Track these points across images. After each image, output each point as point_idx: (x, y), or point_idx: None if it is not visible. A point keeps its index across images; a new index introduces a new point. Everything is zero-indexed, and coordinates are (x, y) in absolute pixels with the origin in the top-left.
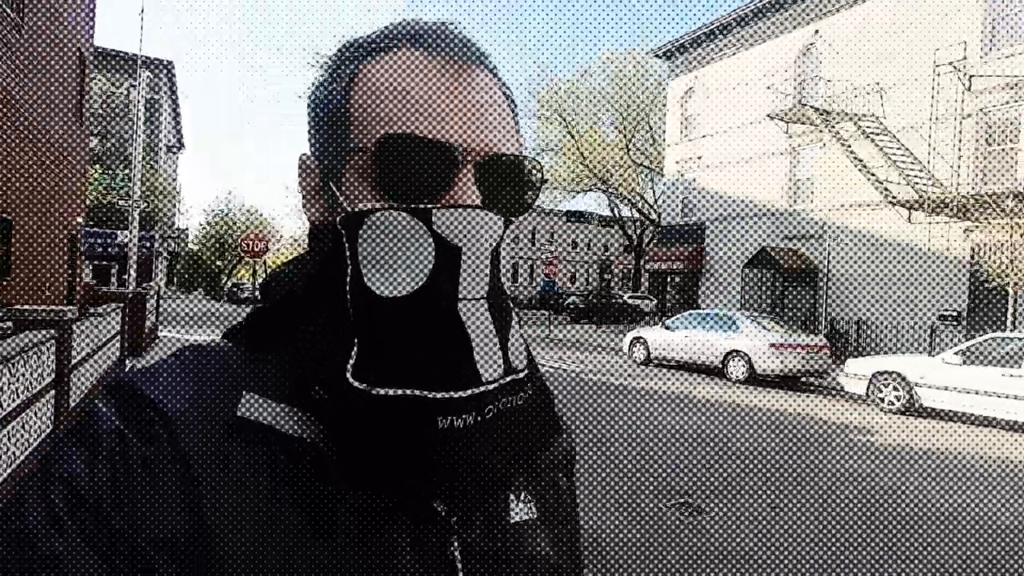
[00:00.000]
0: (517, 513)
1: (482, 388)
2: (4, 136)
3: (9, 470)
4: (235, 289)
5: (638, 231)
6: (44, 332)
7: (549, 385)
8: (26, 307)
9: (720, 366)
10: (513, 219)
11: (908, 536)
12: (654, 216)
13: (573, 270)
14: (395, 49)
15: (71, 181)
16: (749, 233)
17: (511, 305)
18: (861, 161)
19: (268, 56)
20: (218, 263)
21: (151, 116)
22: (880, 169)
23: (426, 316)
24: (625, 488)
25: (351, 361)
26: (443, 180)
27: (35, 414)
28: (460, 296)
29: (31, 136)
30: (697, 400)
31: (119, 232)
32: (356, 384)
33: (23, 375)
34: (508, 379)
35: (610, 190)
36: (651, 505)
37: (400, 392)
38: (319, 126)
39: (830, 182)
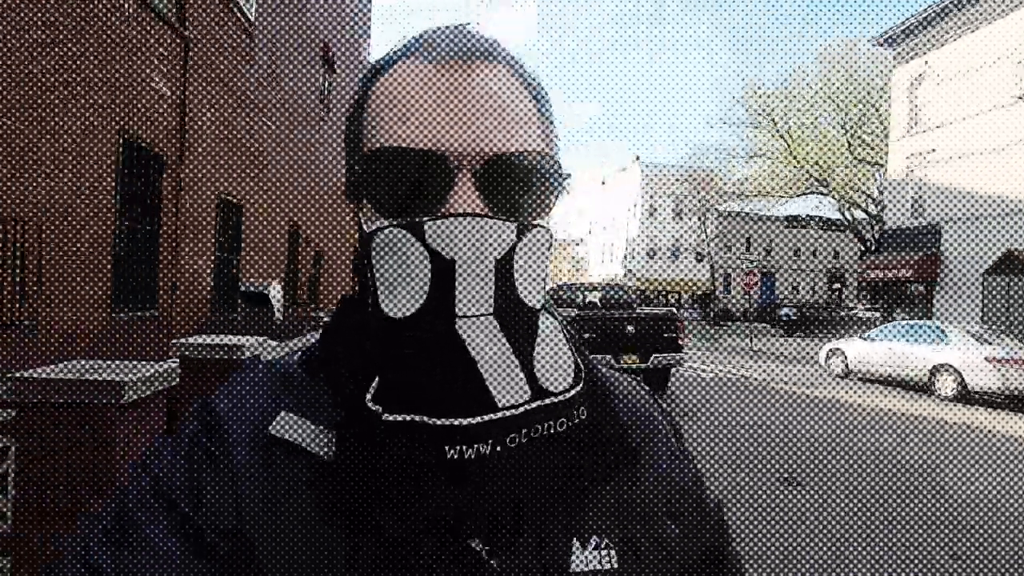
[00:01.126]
0: (583, 561)
1: (499, 415)
2: (318, 193)
3: None
4: None
5: (875, 236)
6: None
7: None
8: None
9: (927, 381)
10: (536, 223)
11: None
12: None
13: (795, 279)
14: (398, 62)
15: (353, 217)
16: (994, 234)
17: (548, 318)
18: None
19: None
20: None
21: None
22: None
23: (424, 337)
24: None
25: (374, 383)
26: (436, 190)
27: None
28: (458, 314)
29: (331, 187)
30: (887, 413)
31: None
32: (372, 407)
33: None
34: (537, 404)
35: (832, 192)
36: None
37: (405, 418)
38: (344, 147)
39: None
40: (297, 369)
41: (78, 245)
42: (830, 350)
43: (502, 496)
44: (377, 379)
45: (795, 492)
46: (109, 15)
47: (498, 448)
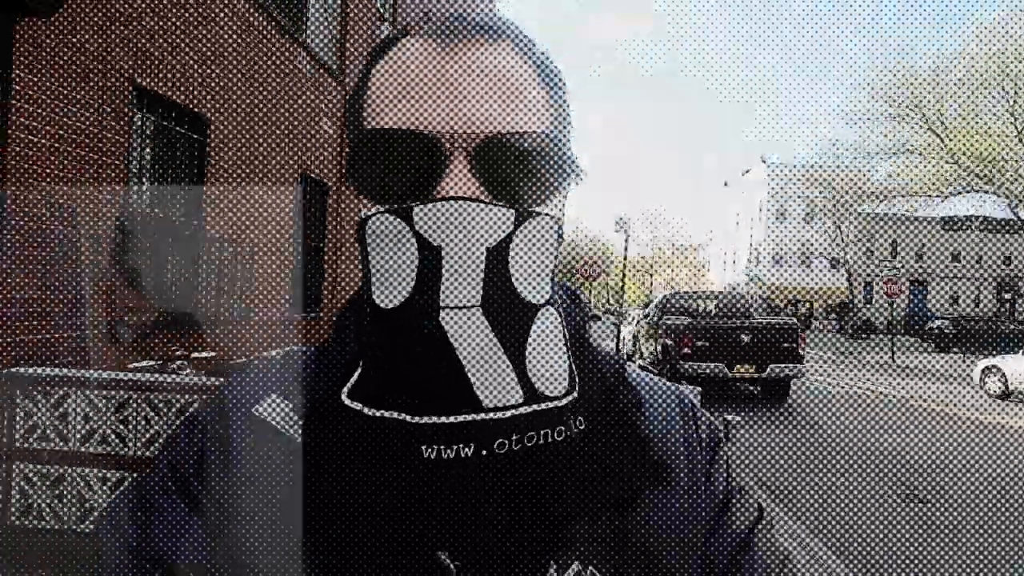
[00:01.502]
0: None
1: (483, 416)
2: None
3: None
4: None
5: None
6: None
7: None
8: None
9: None
10: (540, 211)
11: None
12: None
13: (954, 288)
14: (395, 43)
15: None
16: None
17: (551, 315)
18: None
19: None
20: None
21: None
22: None
23: (406, 329)
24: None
25: (353, 379)
26: (428, 174)
27: None
28: (443, 305)
29: None
30: None
31: None
32: (349, 403)
33: None
34: (532, 408)
35: (1000, 189)
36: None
37: (380, 414)
38: (346, 132)
39: None
40: (311, 357)
41: (271, 258)
42: (985, 368)
43: (480, 506)
44: (359, 371)
45: (916, 508)
46: (296, 76)
47: (483, 452)
